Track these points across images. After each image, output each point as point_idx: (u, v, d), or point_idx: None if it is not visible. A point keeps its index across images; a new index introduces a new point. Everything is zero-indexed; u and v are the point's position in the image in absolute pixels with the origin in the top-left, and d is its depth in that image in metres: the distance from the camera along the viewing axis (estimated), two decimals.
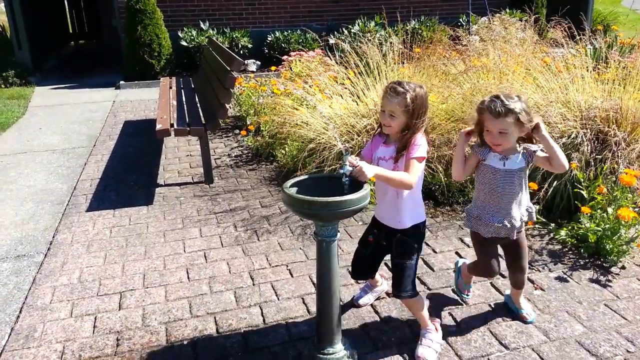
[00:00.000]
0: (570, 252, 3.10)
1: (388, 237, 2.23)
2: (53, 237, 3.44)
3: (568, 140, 3.60)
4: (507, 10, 10.14)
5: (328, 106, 4.36)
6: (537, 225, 3.41)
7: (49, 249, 3.27)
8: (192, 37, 9.11)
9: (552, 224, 3.39)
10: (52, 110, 7.17)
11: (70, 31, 15.37)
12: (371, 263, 2.41)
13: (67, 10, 14.99)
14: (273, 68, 6.34)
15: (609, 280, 2.79)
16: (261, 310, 2.59)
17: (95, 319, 2.55)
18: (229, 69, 3.80)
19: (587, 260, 3.00)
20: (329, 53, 5.96)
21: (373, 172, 1.99)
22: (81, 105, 7.42)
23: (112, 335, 2.43)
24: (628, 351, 2.25)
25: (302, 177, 2.08)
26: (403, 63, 4.72)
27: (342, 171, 1.98)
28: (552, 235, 3.30)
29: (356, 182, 1.99)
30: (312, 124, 4.17)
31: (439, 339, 2.28)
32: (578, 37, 4.90)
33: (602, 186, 3.11)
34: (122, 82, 8.58)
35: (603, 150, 3.53)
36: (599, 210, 3.23)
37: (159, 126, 3.83)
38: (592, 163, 3.47)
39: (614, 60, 5.00)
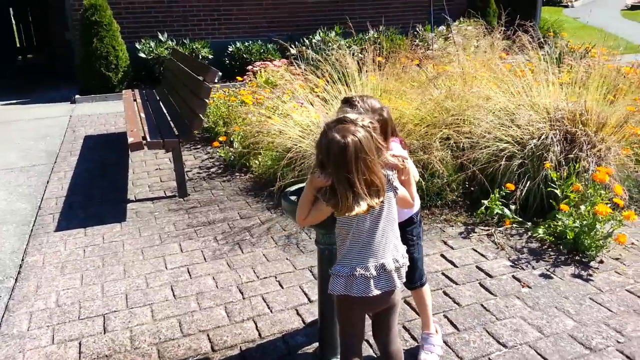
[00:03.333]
0: (549, 249, 3.19)
1: None
2: (22, 259, 3.25)
3: (539, 141, 3.72)
4: (461, 19, 10.46)
5: (301, 114, 4.34)
6: (514, 225, 3.49)
7: (19, 273, 3.08)
8: (150, 49, 8.90)
9: (529, 223, 3.48)
10: (5, 127, 6.82)
11: (18, 45, 14.74)
12: None
13: (13, 24, 14.38)
14: (239, 78, 6.28)
15: (590, 275, 2.89)
16: (255, 324, 2.52)
17: (80, 344, 2.42)
18: (203, 79, 3.72)
19: (566, 256, 3.09)
20: (295, 62, 5.97)
21: None
22: (36, 120, 7.10)
23: None
24: (618, 342, 2.33)
25: (301, 185, 2.05)
26: (375, 71, 4.76)
27: None
28: (530, 233, 3.38)
29: None
30: (287, 132, 4.13)
31: (440, 342, 2.28)
32: (533, 44, 5.10)
33: (578, 184, 3.22)
34: (77, 96, 8.28)
35: (572, 150, 3.66)
36: (572, 208, 3.34)
37: (130, 139, 3.70)
38: (563, 163, 3.59)
39: (569, 65, 5.23)
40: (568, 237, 3.13)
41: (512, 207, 3.53)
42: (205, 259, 3.19)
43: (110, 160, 5.23)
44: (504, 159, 3.62)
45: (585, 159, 3.53)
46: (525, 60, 5.33)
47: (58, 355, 2.34)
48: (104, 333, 2.49)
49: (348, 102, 1.89)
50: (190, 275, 3.00)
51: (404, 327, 2.45)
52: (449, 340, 2.36)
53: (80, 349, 2.38)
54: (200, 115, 3.80)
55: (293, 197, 1.94)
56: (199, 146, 5.59)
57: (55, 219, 3.86)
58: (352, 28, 6.95)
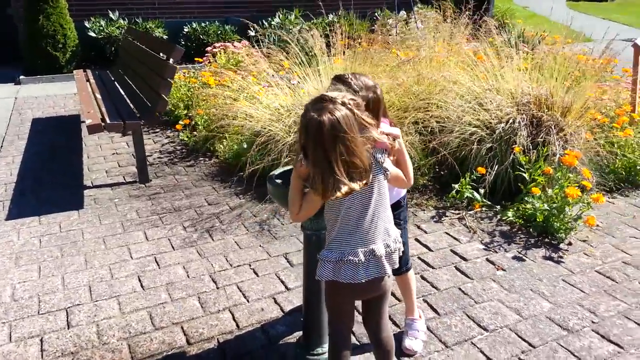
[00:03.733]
0: (519, 232, 3.23)
1: None
2: None
3: (507, 125, 3.76)
4: (419, 5, 10.49)
5: (267, 97, 4.21)
6: (484, 208, 3.52)
7: None
8: (101, 28, 8.45)
9: (498, 207, 3.52)
10: None
11: None
12: None
13: None
14: (200, 60, 6.04)
15: (561, 257, 2.94)
16: (232, 314, 2.42)
17: (42, 341, 2.24)
18: (167, 58, 3.52)
19: (536, 239, 3.14)
20: (256, 45, 5.79)
21: None
22: None
23: (66, 357, 2.14)
24: (593, 322, 2.37)
25: (286, 168, 1.95)
26: (342, 54, 4.67)
27: None
28: (499, 217, 3.42)
29: None
30: (255, 116, 4.00)
31: (424, 327, 2.26)
32: (493, 30, 5.16)
33: (548, 167, 3.27)
34: (22, 77, 7.76)
35: (539, 134, 3.72)
36: (540, 191, 3.40)
37: (88, 121, 3.47)
38: (531, 147, 3.64)
39: (526, 52, 5.30)
40: (538, 219, 3.18)
41: (482, 190, 3.56)
42: (173, 247, 3.04)
43: (62, 144, 4.92)
44: (475, 143, 3.63)
45: (553, 143, 3.59)
46: (488, 46, 5.40)
47: (17, 355, 2.16)
48: (68, 328, 2.32)
49: (340, 79, 1.80)
50: (158, 265, 2.85)
51: None
52: (430, 325, 2.34)
53: (42, 346, 2.21)
54: (164, 96, 3.60)
55: (278, 181, 1.84)
56: (157, 130, 5.35)
57: (5, 206, 3.59)
58: (322, 8, 6.79)
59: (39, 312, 2.43)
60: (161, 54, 4.03)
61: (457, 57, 4.49)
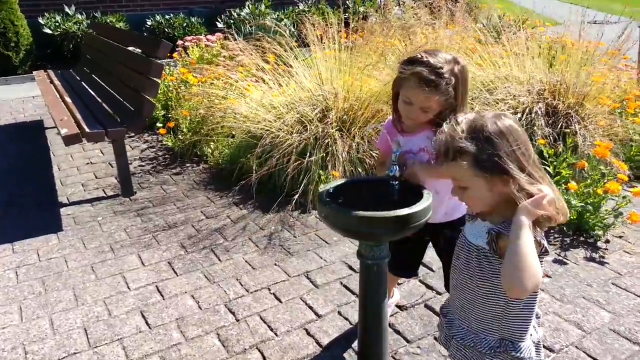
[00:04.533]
0: (552, 230, 3.00)
1: (433, 232, 1.86)
2: None
3: (523, 116, 3.52)
4: None
5: (263, 93, 3.84)
6: None
7: None
8: (57, 24, 7.80)
9: None
10: None
11: None
12: (414, 258, 2.03)
13: None
14: (175, 55, 5.58)
15: (602, 257, 2.72)
16: (262, 354, 2.07)
17: None
18: (151, 55, 3.10)
19: (571, 238, 2.91)
20: (231, 37, 5.38)
21: (423, 171, 1.61)
22: None
23: None
24: None
25: (331, 185, 1.62)
26: (329, 44, 4.33)
27: (390, 173, 1.56)
28: None
29: (405, 186, 1.58)
30: (249, 115, 3.62)
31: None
32: (469, 17, 4.95)
33: (583, 161, 3.04)
34: None
35: (557, 124, 3.50)
36: (562, 185, 3.18)
37: (64, 131, 3.02)
38: (552, 138, 3.42)
39: (507, 37, 5.08)
40: (571, 217, 2.95)
41: None
42: (175, 272, 2.66)
43: (27, 154, 4.41)
44: None
45: (576, 133, 3.37)
46: (471, 32, 5.17)
47: None
48: None
49: (415, 61, 1.51)
50: (162, 296, 2.46)
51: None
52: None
53: None
54: (151, 99, 3.18)
55: (335, 205, 1.50)
56: (132, 134, 4.88)
57: None
58: None
59: None
60: (138, 50, 3.60)
61: (461, 43, 4.22)
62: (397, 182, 1.56)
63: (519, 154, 1.20)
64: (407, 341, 2.12)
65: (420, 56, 1.54)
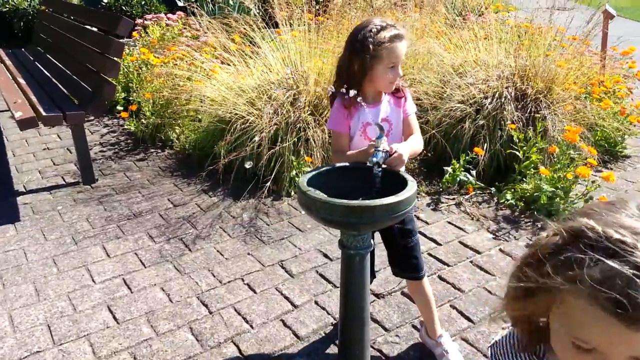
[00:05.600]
0: (522, 215, 3.03)
1: None
2: None
3: (493, 100, 3.52)
4: None
5: (228, 76, 3.71)
6: (477, 191, 3.29)
7: None
8: (4, 0, 7.33)
9: (492, 189, 3.30)
10: None
11: None
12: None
13: None
14: (135, 34, 5.33)
15: None
16: (237, 347, 2.01)
17: None
18: (111, 33, 2.92)
19: (542, 222, 2.94)
20: (192, 16, 5.19)
21: (407, 153, 1.58)
22: None
23: None
24: None
25: (311, 173, 1.55)
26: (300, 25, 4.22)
27: (374, 160, 1.51)
28: (496, 200, 3.20)
29: (388, 173, 1.54)
30: (214, 97, 3.49)
31: (457, 354, 1.93)
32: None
33: (554, 146, 3.07)
34: None
35: (526, 109, 3.52)
36: (532, 170, 3.22)
37: (18, 114, 2.82)
38: (522, 123, 3.44)
39: (470, 21, 5.10)
40: (542, 201, 2.99)
41: (473, 172, 3.33)
42: (143, 264, 2.54)
43: None
44: (466, 121, 3.38)
45: (545, 118, 3.40)
46: (432, 16, 5.16)
47: None
48: None
49: (387, 27, 1.65)
50: (129, 289, 2.36)
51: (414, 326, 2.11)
52: (469, 337, 2.06)
53: None
54: (111, 80, 3.01)
55: (316, 192, 1.44)
56: (91, 118, 4.65)
57: None
58: None
59: None
60: (96, 28, 3.40)
61: (431, 26, 4.19)
62: (380, 170, 1.51)
63: None
64: (386, 330, 2.10)
65: (384, 23, 1.63)
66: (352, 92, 1.66)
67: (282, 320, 2.15)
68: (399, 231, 1.79)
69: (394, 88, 1.73)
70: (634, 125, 3.97)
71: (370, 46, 1.62)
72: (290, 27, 4.00)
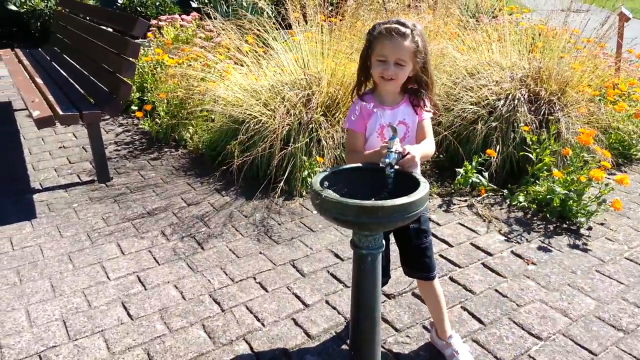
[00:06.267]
0: (534, 218, 3.02)
1: None
2: None
3: (506, 102, 3.51)
4: None
5: (244, 77, 3.74)
6: (489, 193, 3.29)
7: None
8: (22, 0, 7.45)
9: (505, 191, 3.29)
10: None
11: None
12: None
13: None
14: (149, 35, 5.39)
15: (585, 244, 2.75)
16: (249, 345, 2.03)
17: None
18: (127, 33, 2.97)
19: (555, 225, 2.94)
20: (207, 17, 5.23)
21: (419, 155, 1.59)
22: None
23: None
24: None
25: (324, 173, 1.57)
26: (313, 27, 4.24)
27: (387, 160, 1.52)
28: (508, 202, 3.19)
29: (401, 174, 1.55)
30: (228, 98, 3.52)
31: (468, 355, 1.93)
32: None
33: (567, 148, 3.06)
34: None
35: (540, 111, 3.51)
36: (545, 172, 3.21)
37: (36, 113, 2.87)
38: (535, 125, 3.43)
39: (484, 23, 5.09)
40: (554, 204, 2.98)
41: (485, 174, 3.32)
42: (157, 261, 2.58)
43: None
44: (479, 123, 3.37)
45: (558, 120, 3.38)
46: (446, 18, 5.15)
47: None
48: None
49: (383, 22, 1.67)
50: (144, 286, 2.39)
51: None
52: (480, 338, 2.06)
53: None
54: (128, 80, 3.05)
55: (329, 192, 1.45)
56: (106, 117, 4.71)
57: None
58: None
59: None
60: (112, 29, 3.44)
61: (444, 28, 4.18)
62: (392, 170, 1.52)
63: None
64: (396, 330, 2.11)
65: (394, 20, 1.65)
66: (369, 105, 1.72)
67: (294, 319, 2.16)
68: (414, 231, 1.80)
69: (415, 96, 1.74)
70: None
71: (368, 35, 1.69)
72: (305, 28, 4.03)
